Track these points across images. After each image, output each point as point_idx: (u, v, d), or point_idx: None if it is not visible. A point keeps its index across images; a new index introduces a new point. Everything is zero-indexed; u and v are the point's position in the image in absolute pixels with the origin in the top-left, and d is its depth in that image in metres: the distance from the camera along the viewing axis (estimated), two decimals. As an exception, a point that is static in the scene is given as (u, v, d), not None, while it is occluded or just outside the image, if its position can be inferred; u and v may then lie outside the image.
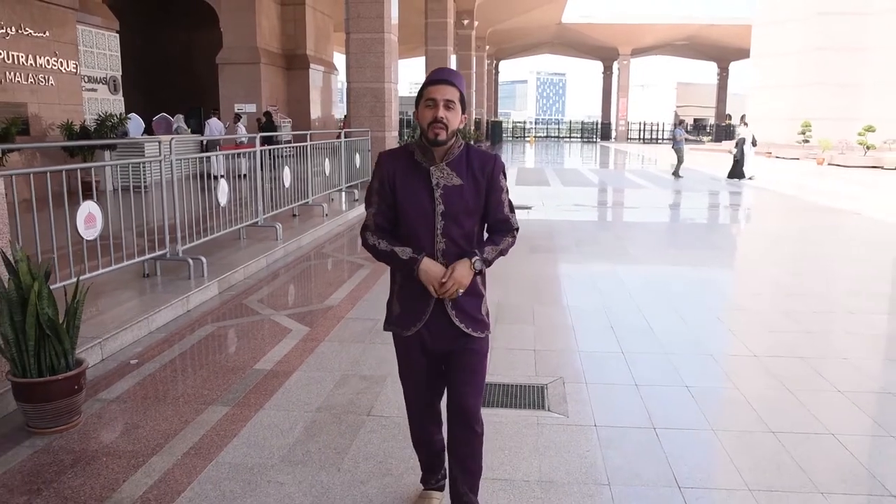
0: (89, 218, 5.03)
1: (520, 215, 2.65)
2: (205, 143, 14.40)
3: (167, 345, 4.75)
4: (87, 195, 5.20)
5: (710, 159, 27.37)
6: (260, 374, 4.16)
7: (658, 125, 54.63)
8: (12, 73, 11.61)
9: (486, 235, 2.43)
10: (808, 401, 3.81)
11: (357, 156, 13.10)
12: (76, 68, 13.29)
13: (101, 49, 15.68)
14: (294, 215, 9.83)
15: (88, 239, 4.99)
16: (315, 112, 24.11)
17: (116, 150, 12.50)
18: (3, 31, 11.32)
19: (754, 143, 19.45)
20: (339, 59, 31.19)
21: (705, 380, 4.18)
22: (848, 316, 5.69)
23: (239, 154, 9.93)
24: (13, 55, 11.58)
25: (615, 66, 54.65)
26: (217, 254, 6.97)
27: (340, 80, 28.68)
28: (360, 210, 11.56)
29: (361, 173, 13.33)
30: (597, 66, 62.06)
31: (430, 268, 2.26)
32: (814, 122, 30.40)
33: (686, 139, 20.84)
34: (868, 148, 25.98)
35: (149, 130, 16.95)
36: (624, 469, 3.04)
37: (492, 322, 2.52)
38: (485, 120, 42.29)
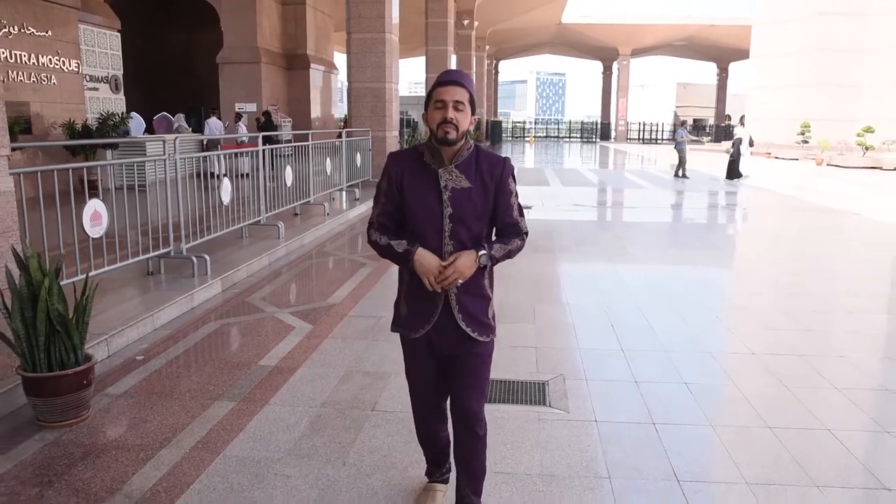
0: (95, 216, 5.09)
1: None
2: (205, 142, 14.45)
3: (172, 341, 4.80)
4: (92, 194, 5.25)
5: (710, 160, 27.42)
6: (265, 371, 4.21)
7: (658, 125, 54.72)
8: (15, 73, 11.66)
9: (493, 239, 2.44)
10: (806, 398, 3.87)
11: (358, 155, 13.16)
12: (78, 67, 13.34)
13: (102, 48, 15.73)
14: (295, 214, 9.88)
15: (94, 237, 5.05)
16: (315, 111, 24.17)
17: (118, 149, 12.55)
18: (6, 30, 11.37)
19: (751, 144, 19.54)
20: (340, 59, 31.30)
21: (704, 377, 4.24)
22: (846, 315, 5.75)
23: (241, 153, 9.98)
24: (16, 54, 11.63)
25: (615, 66, 54.72)
26: (220, 252, 7.02)
27: (340, 79, 28.75)
28: (360, 209, 11.62)
29: (362, 173, 13.39)
30: (596, 67, 62.15)
31: (424, 258, 2.26)
32: (813, 123, 30.48)
33: (689, 139, 20.93)
34: (867, 149, 26.06)
35: (150, 129, 17.00)
36: (624, 463, 3.10)
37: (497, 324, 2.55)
38: (485, 120, 42.36)
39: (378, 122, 14.35)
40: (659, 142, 53.35)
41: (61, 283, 3.61)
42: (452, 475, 2.74)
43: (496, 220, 2.37)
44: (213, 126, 17.27)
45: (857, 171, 23.22)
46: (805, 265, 8.09)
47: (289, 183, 9.32)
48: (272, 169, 9.02)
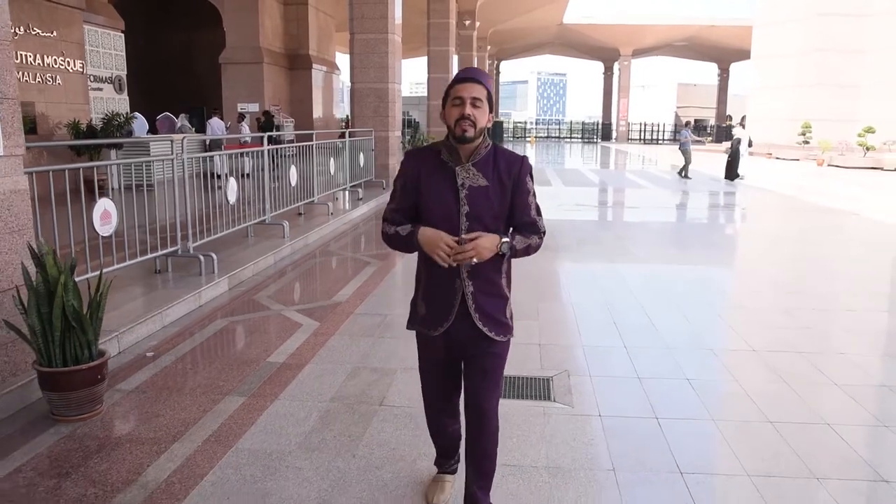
0: (105, 215, 5.16)
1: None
2: (207, 142, 14.52)
3: (181, 338, 4.87)
4: (99, 193, 5.30)
5: (711, 160, 27.47)
6: (273, 367, 4.28)
7: (658, 126, 54.77)
8: (20, 73, 11.75)
9: None
10: (806, 393, 3.94)
11: (361, 155, 13.23)
12: (83, 68, 13.42)
13: (106, 49, 15.81)
14: (299, 214, 9.95)
15: (104, 235, 5.11)
16: (317, 112, 24.24)
17: (122, 149, 12.62)
18: (12, 30, 11.44)
19: (750, 144, 19.64)
20: (341, 59, 31.35)
21: (706, 373, 4.31)
22: (845, 313, 5.82)
23: (245, 153, 10.05)
24: (21, 55, 11.71)
25: (616, 66, 54.79)
26: (226, 251, 7.09)
27: (342, 79, 28.82)
28: (364, 209, 11.69)
29: (365, 173, 13.46)
30: (597, 67, 62.21)
31: (427, 231, 2.25)
32: (814, 123, 30.54)
33: (693, 140, 21.01)
34: (868, 149, 26.12)
35: (153, 129, 17.08)
36: (628, 456, 3.16)
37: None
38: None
39: (381, 123, 14.41)
40: (660, 142, 53.41)
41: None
42: (460, 465, 2.82)
43: (513, 219, 2.34)
44: (216, 126, 17.34)
45: (858, 171, 23.28)
46: (805, 265, 8.15)
47: (293, 183, 9.39)
48: (275, 169, 9.09)
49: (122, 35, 16.40)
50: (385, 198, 13.33)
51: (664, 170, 23.73)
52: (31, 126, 11.77)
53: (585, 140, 55.10)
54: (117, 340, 4.51)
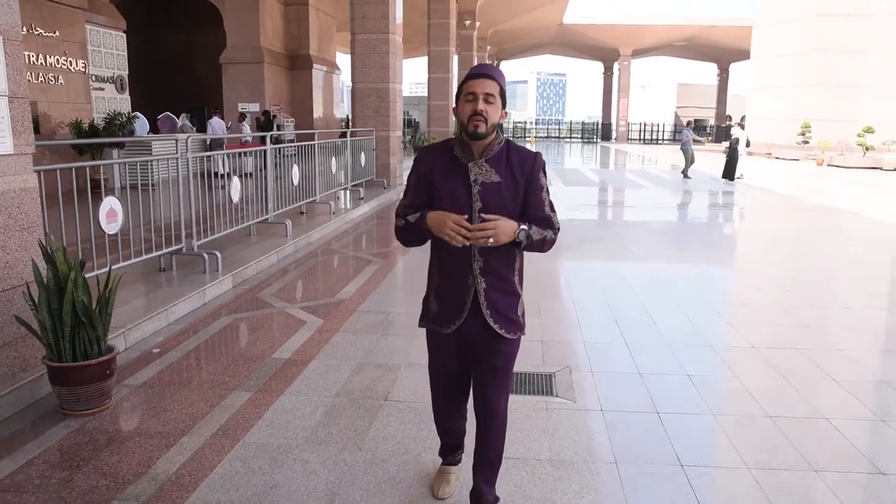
0: (111, 213, 5.21)
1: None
2: (208, 142, 14.57)
3: (187, 335, 4.92)
4: (98, 192, 5.36)
5: (711, 160, 27.53)
6: (279, 363, 4.33)
7: (658, 126, 54.81)
8: (23, 72, 11.77)
9: None
10: (804, 388, 3.99)
11: (362, 155, 13.29)
12: (85, 67, 13.47)
13: (108, 48, 15.86)
14: (301, 213, 9.99)
15: (110, 233, 5.17)
16: (318, 111, 24.28)
17: (125, 149, 12.67)
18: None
19: (748, 144, 19.72)
20: (341, 59, 31.40)
21: (706, 369, 4.36)
22: (844, 311, 5.88)
23: (248, 152, 10.10)
24: (24, 55, 11.74)
25: (615, 66, 54.82)
26: (229, 249, 7.14)
27: (342, 79, 28.86)
28: (365, 209, 11.74)
29: (366, 172, 13.52)
30: (597, 67, 62.25)
31: (436, 214, 2.23)
32: (813, 123, 30.60)
33: (694, 140, 21.08)
34: (867, 149, 26.18)
35: (154, 129, 17.13)
36: (629, 449, 3.22)
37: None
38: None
39: (382, 122, 14.46)
40: (659, 142, 53.46)
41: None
42: (466, 458, 2.87)
43: (527, 216, 2.31)
44: (216, 126, 17.40)
45: (858, 171, 23.34)
46: (804, 264, 8.21)
47: (295, 182, 9.44)
48: (276, 168, 9.14)
49: (124, 35, 16.45)
50: (386, 197, 13.39)
51: (664, 170, 23.79)
52: (34, 125, 11.79)
53: (585, 140, 55.16)
54: (124, 337, 4.56)
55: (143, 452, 3.15)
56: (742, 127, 20.47)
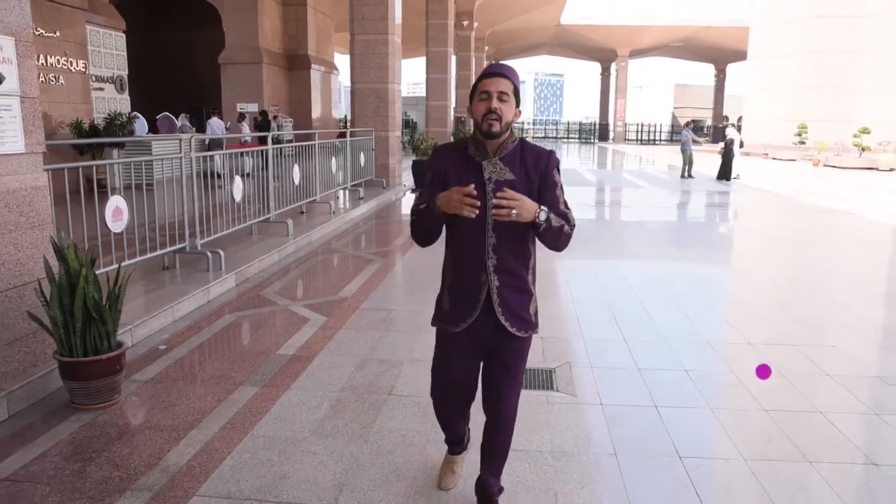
0: (116, 212, 5.28)
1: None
2: (207, 142, 14.62)
3: (192, 332, 4.99)
4: (102, 192, 5.40)
5: (708, 160, 27.66)
6: (284, 359, 4.40)
7: (656, 126, 54.94)
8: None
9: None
10: (799, 383, 4.08)
11: (361, 155, 13.36)
12: (85, 68, 13.51)
13: (108, 49, 15.90)
14: (302, 212, 10.06)
15: (116, 231, 5.23)
16: (316, 112, 24.34)
17: (125, 149, 12.72)
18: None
19: (741, 146, 19.87)
20: (339, 60, 31.47)
21: (703, 364, 4.45)
22: (839, 309, 5.97)
23: (249, 152, 10.16)
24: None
25: (613, 67, 54.99)
26: (231, 248, 7.20)
27: (340, 80, 28.91)
28: (364, 208, 11.81)
29: (365, 172, 13.59)
30: (595, 68, 62.43)
31: (444, 193, 2.23)
32: (810, 124, 30.74)
33: (693, 140, 21.17)
34: (863, 149, 26.31)
35: (153, 129, 17.16)
36: (628, 441, 3.30)
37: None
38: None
39: (381, 123, 14.53)
40: (656, 143, 53.59)
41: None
42: (473, 449, 2.94)
43: None
44: (215, 126, 17.45)
45: (854, 171, 23.48)
46: (801, 263, 8.30)
47: (296, 182, 9.51)
48: (277, 168, 9.20)
49: (124, 35, 16.48)
50: (385, 197, 13.47)
51: (661, 170, 23.89)
52: (35, 125, 11.85)
53: (583, 140, 55.27)
54: (131, 333, 4.63)
55: (153, 445, 3.22)
56: (738, 128, 20.58)
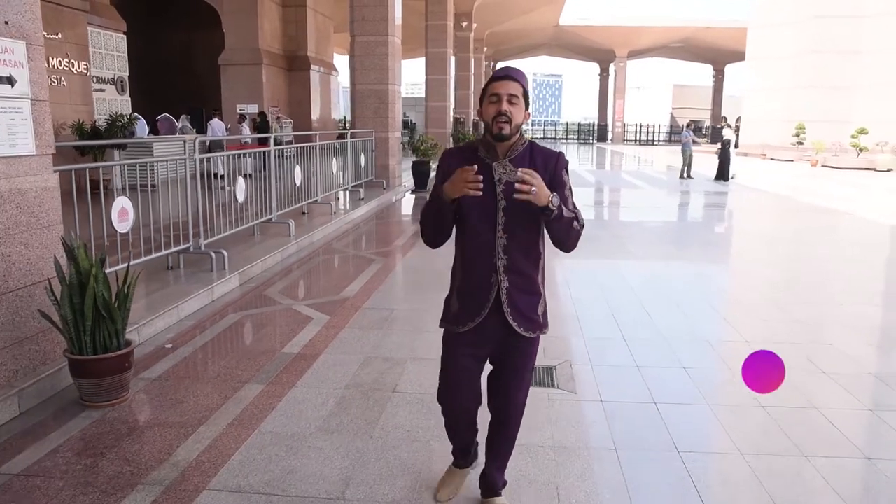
0: (122, 212, 5.34)
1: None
2: (208, 143, 14.65)
3: (197, 331, 5.06)
4: (99, 192, 5.47)
5: (707, 161, 27.75)
6: (288, 357, 4.47)
7: (654, 127, 55.05)
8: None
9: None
10: (796, 380, 4.14)
11: (362, 156, 13.42)
12: (87, 69, 13.58)
13: (109, 50, 15.96)
14: (303, 213, 10.13)
15: (122, 232, 5.30)
16: (315, 113, 24.41)
17: (126, 150, 12.79)
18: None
19: (736, 146, 20.00)
20: (339, 61, 31.54)
21: (701, 362, 4.52)
22: (836, 308, 6.05)
23: (250, 153, 10.23)
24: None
25: (612, 67, 55.10)
26: (234, 248, 7.26)
27: (339, 81, 28.95)
28: (365, 209, 11.88)
29: (366, 173, 13.66)
30: (593, 68, 62.51)
31: (448, 181, 2.25)
32: (808, 124, 30.82)
33: (694, 141, 21.25)
34: (861, 150, 26.41)
35: (154, 131, 17.22)
36: (628, 437, 3.37)
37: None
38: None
39: (381, 124, 14.60)
40: (655, 143, 53.69)
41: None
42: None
43: None
44: (216, 127, 17.50)
45: (851, 172, 23.58)
46: (799, 263, 8.38)
47: (298, 183, 9.57)
48: (277, 169, 9.26)
49: (125, 37, 16.54)
50: (385, 197, 13.53)
51: (660, 170, 23.98)
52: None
53: (581, 141, 55.38)
54: (137, 332, 4.69)
55: (163, 441, 3.29)
56: (734, 128, 20.70)
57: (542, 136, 60.78)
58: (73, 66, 13.04)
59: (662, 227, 11.56)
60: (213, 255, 6.35)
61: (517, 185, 2.16)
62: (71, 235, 3.77)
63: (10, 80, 3.54)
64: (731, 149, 19.40)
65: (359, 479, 2.94)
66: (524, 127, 2.44)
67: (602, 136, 55.80)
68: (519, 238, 2.35)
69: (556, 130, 62.29)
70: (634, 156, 35.60)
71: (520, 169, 2.18)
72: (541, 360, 4.43)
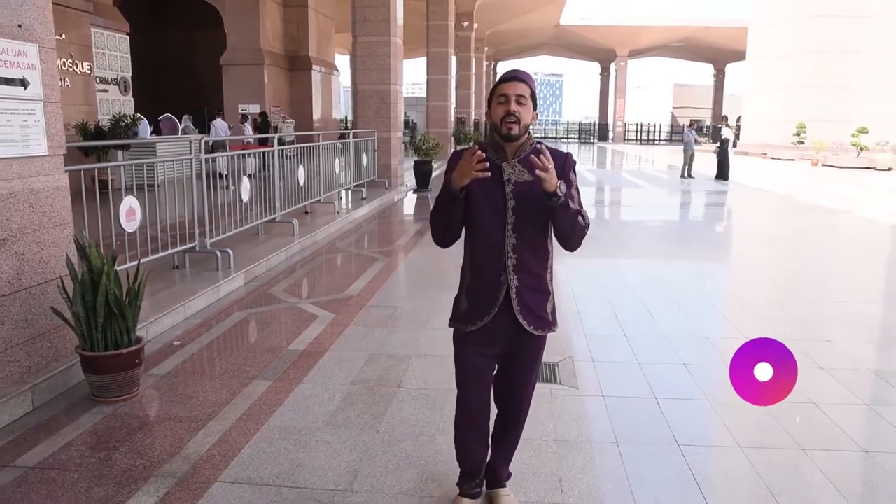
0: (130, 212, 5.42)
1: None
2: (210, 143, 14.73)
3: (204, 328, 5.13)
4: (104, 192, 5.53)
5: (707, 160, 27.80)
6: (295, 354, 4.54)
7: (655, 126, 55.11)
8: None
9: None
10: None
11: (364, 156, 13.50)
12: (91, 70, 13.65)
13: (112, 50, 16.03)
14: (306, 213, 10.20)
15: (129, 231, 5.37)
16: (316, 113, 24.47)
17: (129, 150, 12.87)
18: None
19: (734, 145, 20.07)
20: (340, 61, 31.60)
21: (701, 359, 4.59)
22: (834, 306, 6.12)
23: (252, 153, 10.30)
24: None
25: (612, 67, 55.16)
26: (238, 248, 7.32)
27: (340, 81, 29.02)
28: (367, 209, 11.95)
29: (368, 173, 13.73)
30: (594, 68, 62.61)
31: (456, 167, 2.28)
32: (808, 124, 30.88)
33: (696, 140, 21.31)
34: (861, 149, 26.47)
35: (157, 131, 17.30)
36: (629, 431, 3.44)
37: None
38: (483, 121, 42.74)
39: (383, 124, 14.67)
40: (656, 142, 53.74)
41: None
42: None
43: None
44: (219, 127, 17.59)
45: (852, 171, 23.65)
46: (799, 262, 8.44)
47: (301, 182, 9.65)
48: (281, 168, 9.33)
49: (128, 37, 16.62)
50: (387, 197, 13.60)
51: (661, 170, 24.04)
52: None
53: (582, 140, 55.42)
54: (145, 330, 4.75)
55: (173, 435, 3.36)
56: (734, 129, 20.77)
57: (543, 135, 60.80)
58: (76, 67, 13.12)
59: (663, 226, 11.63)
60: (218, 253, 6.43)
61: (531, 159, 2.21)
62: (83, 234, 3.84)
63: (24, 83, 3.61)
64: (730, 148, 19.45)
65: (366, 472, 3.02)
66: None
67: (603, 136, 55.86)
68: (528, 237, 2.38)
69: (556, 130, 62.29)
70: (635, 155, 35.67)
71: (537, 157, 2.22)
72: (543, 356, 4.51)
